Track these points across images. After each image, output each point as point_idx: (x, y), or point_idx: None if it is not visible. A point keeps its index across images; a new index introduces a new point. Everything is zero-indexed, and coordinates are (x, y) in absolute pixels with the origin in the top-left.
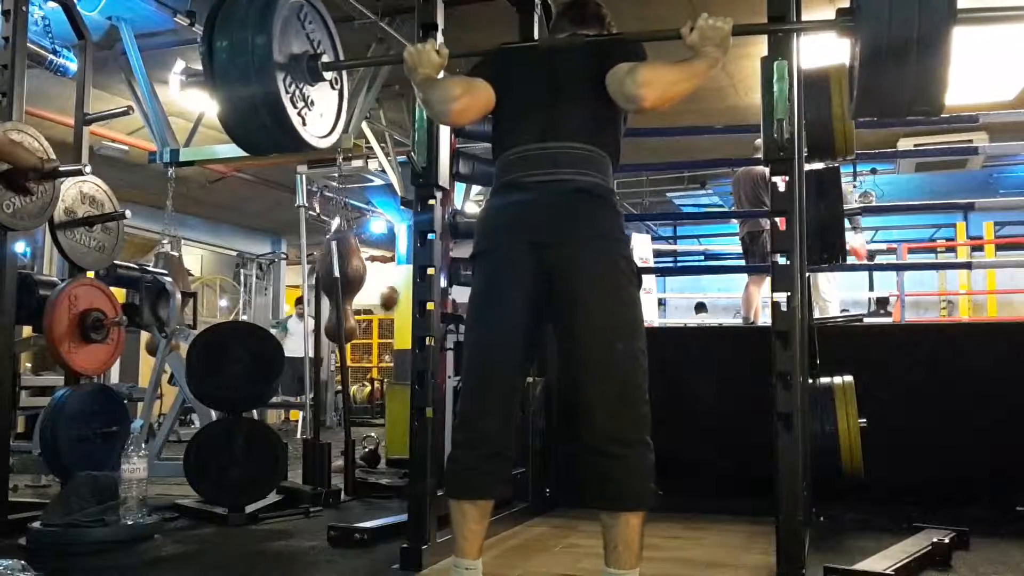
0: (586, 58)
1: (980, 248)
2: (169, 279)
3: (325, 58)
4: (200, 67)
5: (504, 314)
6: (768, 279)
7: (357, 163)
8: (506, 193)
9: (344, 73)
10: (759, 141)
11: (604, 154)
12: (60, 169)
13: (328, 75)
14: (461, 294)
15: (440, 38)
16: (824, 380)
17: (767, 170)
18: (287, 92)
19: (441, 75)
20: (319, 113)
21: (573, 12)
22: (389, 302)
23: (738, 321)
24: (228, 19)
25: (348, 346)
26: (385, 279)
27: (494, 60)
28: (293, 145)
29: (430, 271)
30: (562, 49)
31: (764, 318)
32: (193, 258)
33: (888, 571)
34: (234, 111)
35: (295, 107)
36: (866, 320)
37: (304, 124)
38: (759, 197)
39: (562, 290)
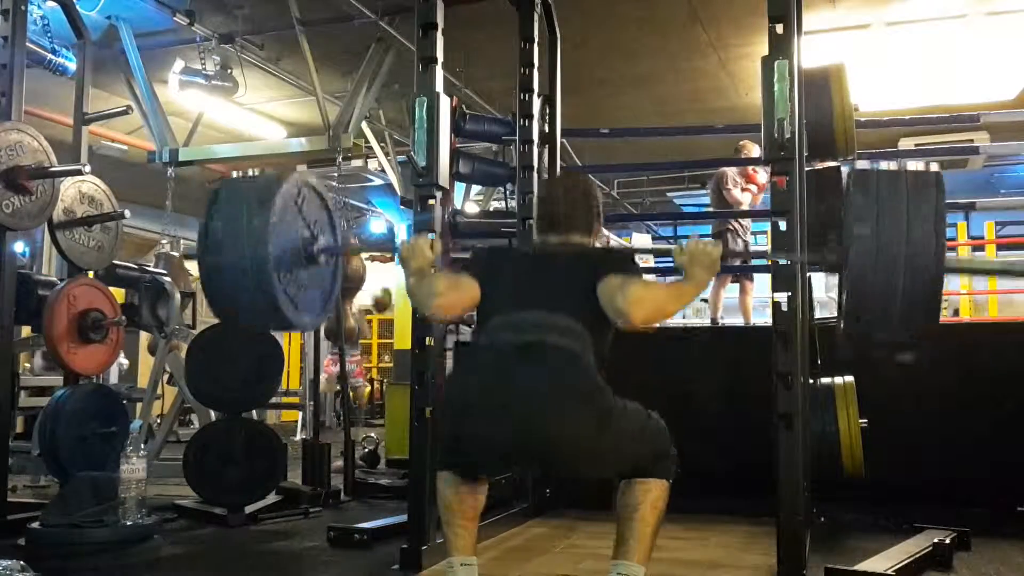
0: (578, 263)
1: (981, 248)
2: (168, 279)
3: (321, 240)
4: (198, 67)
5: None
6: (729, 278)
7: (357, 163)
8: (482, 361)
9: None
10: (743, 142)
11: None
12: (59, 168)
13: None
14: None
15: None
16: (825, 380)
17: (732, 170)
18: (281, 284)
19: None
20: (311, 298)
21: (561, 224)
22: (381, 305)
23: (740, 321)
24: (227, 216)
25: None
26: (380, 280)
27: (485, 258)
28: (282, 327)
29: None
30: (554, 254)
31: (728, 319)
32: (192, 258)
33: (889, 571)
34: (227, 293)
35: (289, 296)
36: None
37: (296, 308)
38: (720, 196)
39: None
